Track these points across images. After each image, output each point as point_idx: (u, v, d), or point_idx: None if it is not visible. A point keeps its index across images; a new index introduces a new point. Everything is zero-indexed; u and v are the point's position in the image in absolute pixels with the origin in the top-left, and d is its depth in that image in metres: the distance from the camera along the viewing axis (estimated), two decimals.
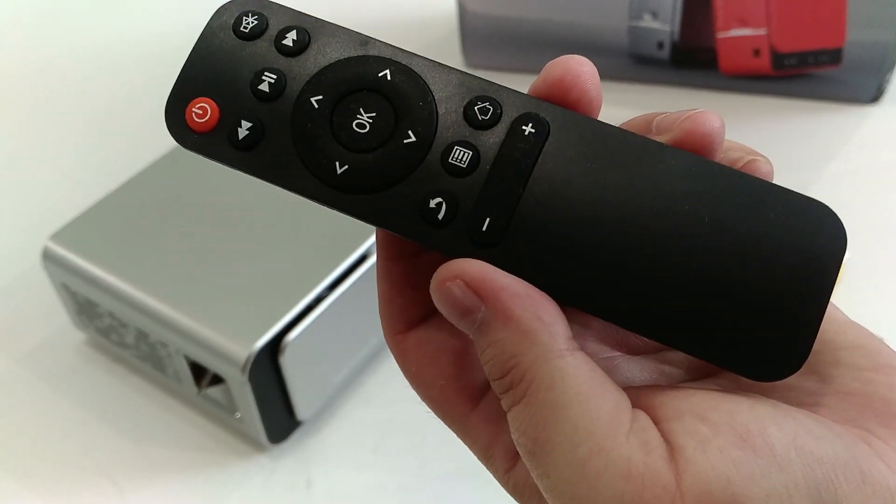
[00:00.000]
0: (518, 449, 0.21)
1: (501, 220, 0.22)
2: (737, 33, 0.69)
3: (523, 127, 0.22)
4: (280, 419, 0.49)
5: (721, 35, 0.69)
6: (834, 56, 0.68)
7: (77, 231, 0.51)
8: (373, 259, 0.49)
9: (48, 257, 0.51)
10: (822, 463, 0.19)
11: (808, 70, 0.69)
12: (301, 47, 0.23)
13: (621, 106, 0.72)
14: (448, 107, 0.23)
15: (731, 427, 0.19)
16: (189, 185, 0.53)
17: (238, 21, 0.23)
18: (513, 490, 0.23)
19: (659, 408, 0.21)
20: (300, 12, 0.24)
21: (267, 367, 0.45)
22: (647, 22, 0.70)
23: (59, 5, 0.92)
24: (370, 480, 0.48)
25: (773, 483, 0.19)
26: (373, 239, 0.49)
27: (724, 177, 0.22)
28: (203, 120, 0.23)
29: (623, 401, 0.20)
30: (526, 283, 0.21)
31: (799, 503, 0.19)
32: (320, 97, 0.23)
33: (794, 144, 0.68)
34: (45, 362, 0.55)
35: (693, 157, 0.22)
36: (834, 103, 0.71)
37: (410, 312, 0.24)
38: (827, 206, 0.21)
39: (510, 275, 0.21)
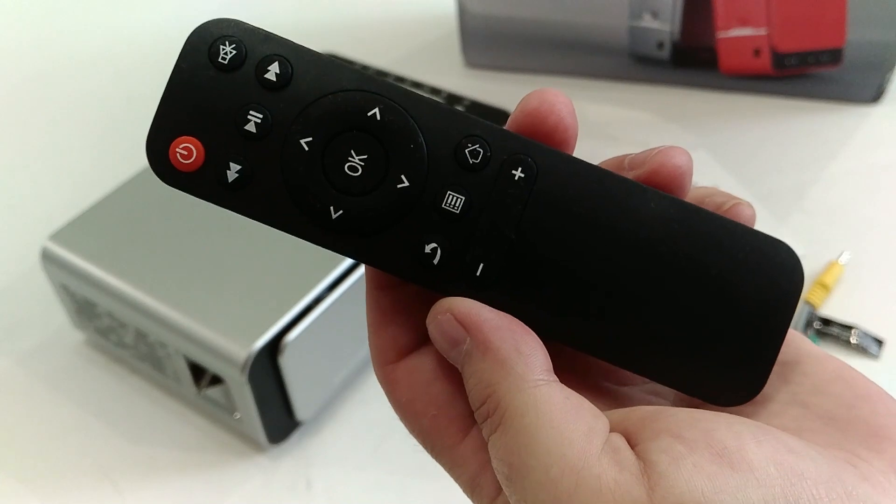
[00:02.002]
0: (498, 477, 0.22)
1: (495, 264, 0.22)
2: (737, 33, 0.69)
3: (513, 171, 0.23)
4: (279, 419, 0.49)
5: (721, 35, 0.69)
6: (834, 56, 0.68)
7: (76, 231, 0.51)
8: None
9: (47, 257, 0.51)
10: (804, 478, 0.19)
11: (809, 70, 0.69)
12: (285, 80, 0.22)
13: (621, 106, 0.72)
14: (438, 148, 0.23)
15: (707, 444, 0.19)
16: None
17: (215, 51, 0.22)
18: None
19: (638, 431, 0.21)
20: (277, 37, 0.23)
21: (266, 368, 0.45)
22: (648, 22, 0.70)
23: (58, 5, 0.92)
24: (370, 480, 0.48)
25: (750, 497, 0.18)
26: None
27: (699, 220, 0.23)
28: (188, 161, 0.22)
29: (597, 425, 0.21)
30: (510, 317, 0.22)
31: None
32: (310, 138, 0.22)
33: (794, 144, 0.68)
34: (44, 362, 0.55)
35: (671, 199, 0.23)
36: (834, 103, 0.71)
37: (401, 341, 0.24)
38: (790, 248, 0.23)
39: (496, 311, 0.22)
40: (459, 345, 0.22)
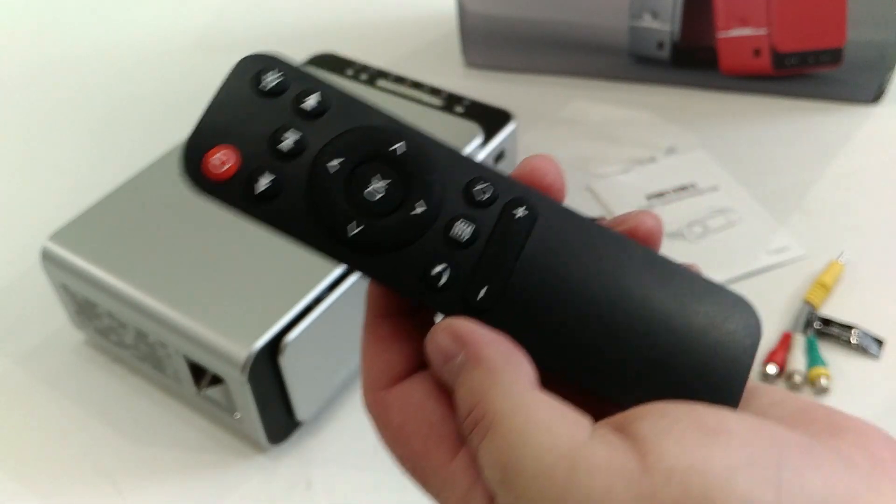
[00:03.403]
0: (490, 485, 0.22)
1: (496, 290, 0.24)
2: (737, 33, 0.69)
3: (515, 210, 0.25)
4: (279, 419, 0.49)
5: (721, 35, 0.69)
6: (834, 56, 0.68)
7: (76, 231, 0.51)
8: None
9: (47, 257, 0.51)
10: (784, 443, 0.20)
11: (809, 70, 0.69)
12: (321, 111, 0.25)
13: (621, 105, 0.72)
14: (451, 184, 0.25)
15: (690, 418, 0.21)
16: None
17: (259, 77, 0.25)
18: None
19: (622, 421, 0.22)
20: (317, 77, 0.25)
21: (266, 368, 0.45)
22: (648, 22, 0.70)
23: (59, 6, 0.92)
24: (370, 480, 0.48)
25: (737, 456, 0.19)
26: None
27: (672, 270, 0.25)
28: (223, 168, 0.24)
29: (582, 419, 0.22)
30: (503, 336, 0.24)
31: (762, 472, 0.19)
32: (338, 161, 0.24)
33: (795, 144, 0.68)
34: (44, 362, 0.55)
35: (647, 250, 0.26)
36: (834, 103, 0.71)
37: (395, 368, 0.26)
38: (749, 304, 0.26)
39: (492, 330, 0.24)
40: (453, 359, 0.24)
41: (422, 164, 0.25)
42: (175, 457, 0.50)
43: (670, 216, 0.62)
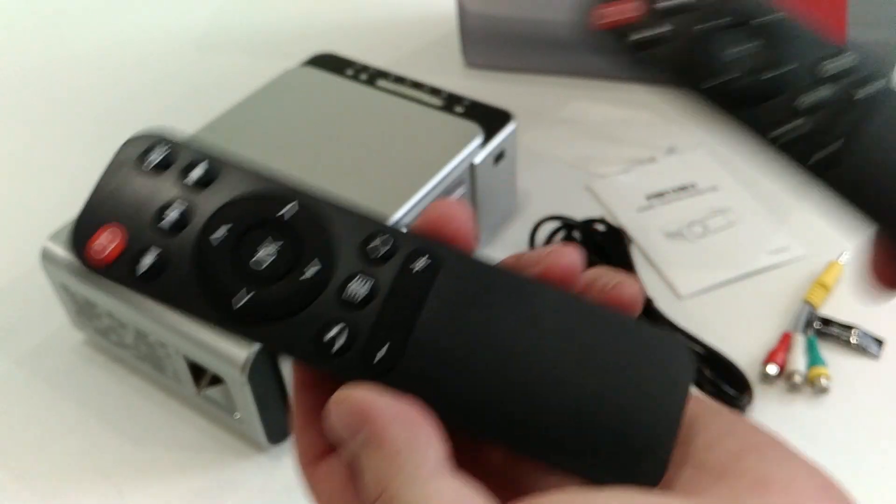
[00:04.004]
0: None
1: (395, 349, 0.23)
2: None
3: (415, 263, 0.24)
4: (279, 419, 0.49)
5: None
6: None
7: None
8: None
9: (47, 257, 0.51)
10: None
11: None
12: (207, 181, 0.24)
13: (621, 105, 0.72)
14: (345, 242, 0.24)
15: None
16: None
17: (146, 154, 0.25)
18: None
19: None
20: (206, 149, 0.25)
21: (266, 368, 0.45)
22: None
23: (60, 6, 0.92)
24: None
25: None
26: None
27: (590, 315, 0.24)
28: (108, 250, 0.24)
29: None
30: (408, 405, 0.22)
31: None
32: (224, 231, 0.24)
33: None
34: (44, 362, 0.55)
35: (561, 294, 0.24)
36: None
37: (320, 444, 0.25)
38: (679, 341, 0.24)
39: (394, 398, 0.22)
40: (355, 436, 0.22)
41: (312, 227, 0.24)
42: (175, 457, 0.50)
43: (670, 216, 0.62)
